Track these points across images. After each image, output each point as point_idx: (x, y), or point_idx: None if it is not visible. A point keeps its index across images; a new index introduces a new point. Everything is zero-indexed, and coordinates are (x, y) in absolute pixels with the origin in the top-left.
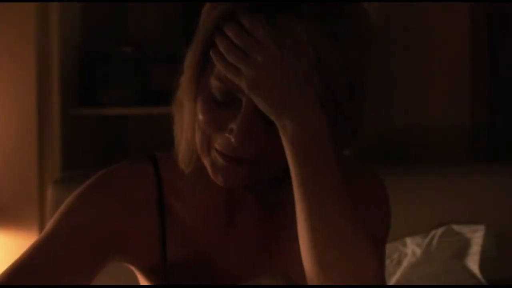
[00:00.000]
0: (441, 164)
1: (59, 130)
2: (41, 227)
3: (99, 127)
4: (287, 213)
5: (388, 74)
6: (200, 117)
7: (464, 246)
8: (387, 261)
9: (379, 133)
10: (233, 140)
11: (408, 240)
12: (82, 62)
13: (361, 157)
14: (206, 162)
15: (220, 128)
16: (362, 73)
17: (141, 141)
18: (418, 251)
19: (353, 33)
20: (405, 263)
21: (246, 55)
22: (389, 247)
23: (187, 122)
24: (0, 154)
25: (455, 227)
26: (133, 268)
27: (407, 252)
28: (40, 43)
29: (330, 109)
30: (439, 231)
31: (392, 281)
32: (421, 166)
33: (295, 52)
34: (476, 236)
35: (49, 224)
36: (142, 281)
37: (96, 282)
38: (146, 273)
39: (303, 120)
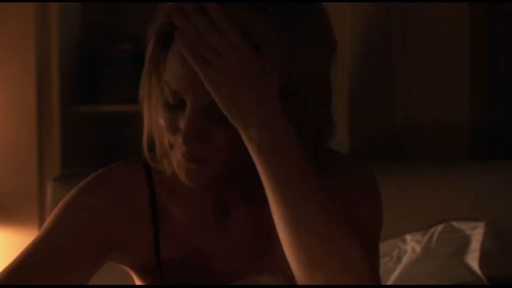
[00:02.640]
0: (441, 162)
1: (59, 127)
2: (40, 224)
3: (99, 125)
4: None
5: (388, 72)
6: (160, 121)
7: (464, 243)
8: (387, 258)
9: (379, 131)
10: (180, 141)
11: (408, 237)
12: (82, 60)
13: (360, 155)
14: (173, 162)
15: (175, 130)
16: (323, 69)
17: (141, 137)
18: (418, 248)
19: (313, 29)
20: (405, 260)
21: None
22: (389, 244)
23: (153, 126)
24: (0, 151)
25: (455, 224)
26: (128, 269)
27: (407, 249)
28: (40, 41)
29: (292, 108)
30: (439, 228)
31: (392, 278)
32: (421, 163)
33: (253, 55)
34: (476, 233)
35: (45, 224)
36: (138, 282)
37: (95, 282)
38: (140, 273)
39: (269, 128)
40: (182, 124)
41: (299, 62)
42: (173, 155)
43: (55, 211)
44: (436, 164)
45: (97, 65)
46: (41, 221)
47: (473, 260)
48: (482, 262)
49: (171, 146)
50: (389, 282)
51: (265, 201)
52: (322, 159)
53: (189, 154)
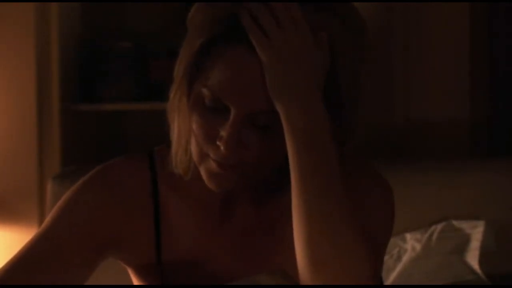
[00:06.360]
0: (441, 159)
1: (58, 125)
2: (40, 222)
3: (99, 122)
4: (284, 211)
5: (389, 69)
6: (194, 126)
7: (463, 242)
8: (387, 257)
9: (379, 128)
10: (222, 148)
11: (408, 236)
12: (82, 58)
13: (360, 152)
14: (201, 169)
15: (212, 135)
16: (359, 71)
17: (141, 136)
18: (418, 247)
19: (354, 30)
20: (405, 258)
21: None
22: (389, 243)
23: (182, 130)
24: (0, 149)
25: (455, 223)
26: (127, 267)
27: (407, 248)
28: (40, 38)
29: (331, 103)
30: (439, 226)
31: (392, 276)
32: (421, 161)
33: (313, 41)
34: (476, 232)
35: (46, 220)
36: (135, 281)
37: (95, 282)
38: (140, 271)
39: (308, 108)
40: (223, 131)
41: (343, 62)
42: (203, 163)
43: (56, 207)
44: (436, 162)
45: (97, 63)
46: (41, 219)
47: (473, 258)
48: (482, 260)
49: (204, 154)
50: (389, 280)
51: (271, 203)
52: (344, 160)
53: (225, 160)
